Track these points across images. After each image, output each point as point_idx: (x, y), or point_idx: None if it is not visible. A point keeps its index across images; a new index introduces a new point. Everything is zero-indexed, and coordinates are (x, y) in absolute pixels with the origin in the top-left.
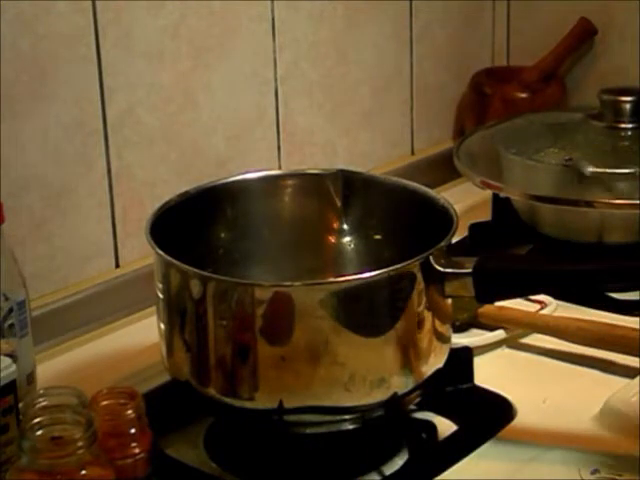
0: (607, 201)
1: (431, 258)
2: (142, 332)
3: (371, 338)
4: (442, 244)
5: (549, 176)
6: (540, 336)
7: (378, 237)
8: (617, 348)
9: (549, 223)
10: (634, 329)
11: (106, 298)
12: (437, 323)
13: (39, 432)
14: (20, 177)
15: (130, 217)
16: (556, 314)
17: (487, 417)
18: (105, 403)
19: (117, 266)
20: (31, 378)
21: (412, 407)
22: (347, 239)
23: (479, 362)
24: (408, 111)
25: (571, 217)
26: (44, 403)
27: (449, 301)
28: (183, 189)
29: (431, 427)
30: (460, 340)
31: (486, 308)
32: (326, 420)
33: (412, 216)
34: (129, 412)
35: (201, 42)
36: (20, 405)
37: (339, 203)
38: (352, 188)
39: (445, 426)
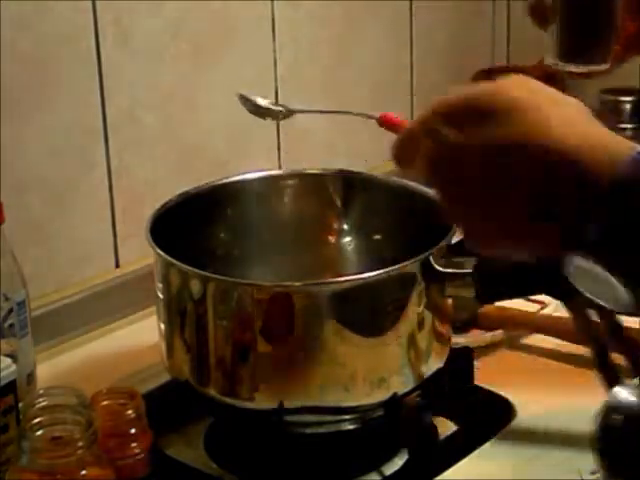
0: None
1: (431, 258)
2: (142, 332)
3: (371, 338)
4: (442, 244)
5: None
6: (540, 336)
7: (378, 237)
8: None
9: None
10: (634, 329)
11: (106, 298)
12: (437, 323)
13: (39, 432)
14: (20, 177)
15: (130, 217)
16: (556, 314)
17: (487, 417)
18: (105, 403)
19: (117, 266)
20: (31, 378)
21: (412, 407)
22: (347, 239)
23: (479, 362)
24: (408, 111)
25: None
26: (44, 403)
27: (449, 301)
28: (183, 189)
29: (431, 427)
30: (460, 340)
31: (486, 308)
32: (326, 420)
33: (412, 216)
34: (129, 412)
35: (201, 42)
36: (20, 405)
37: (339, 203)
38: (352, 188)
39: (445, 426)
